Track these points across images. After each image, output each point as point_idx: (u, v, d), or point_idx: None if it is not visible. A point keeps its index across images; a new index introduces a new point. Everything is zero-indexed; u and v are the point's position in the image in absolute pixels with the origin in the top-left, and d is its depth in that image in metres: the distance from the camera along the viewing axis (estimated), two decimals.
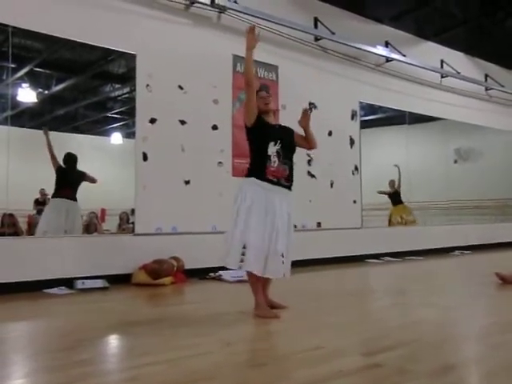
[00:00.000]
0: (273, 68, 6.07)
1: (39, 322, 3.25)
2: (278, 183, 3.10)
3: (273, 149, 3.09)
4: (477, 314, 3.37)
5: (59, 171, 5.06)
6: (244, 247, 3.00)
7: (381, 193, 8.03)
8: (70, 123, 5.95)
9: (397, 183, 8.03)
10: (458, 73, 8.21)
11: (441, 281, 5.06)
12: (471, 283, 4.95)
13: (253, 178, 3.11)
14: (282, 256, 3.06)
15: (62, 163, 5.09)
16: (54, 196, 5.10)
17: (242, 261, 3.02)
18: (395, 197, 8.09)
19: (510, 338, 2.62)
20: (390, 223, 8.01)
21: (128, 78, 5.42)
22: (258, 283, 3.13)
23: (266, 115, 3.23)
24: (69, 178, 5.15)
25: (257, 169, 3.11)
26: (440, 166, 8.86)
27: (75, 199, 5.10)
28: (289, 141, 3.25)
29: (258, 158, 3.12)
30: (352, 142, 6.94)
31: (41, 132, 5.12)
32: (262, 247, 3.00)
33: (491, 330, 2.87)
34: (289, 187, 3.19)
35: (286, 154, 3.16)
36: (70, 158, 5.13)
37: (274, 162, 3.08)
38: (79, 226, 5.19)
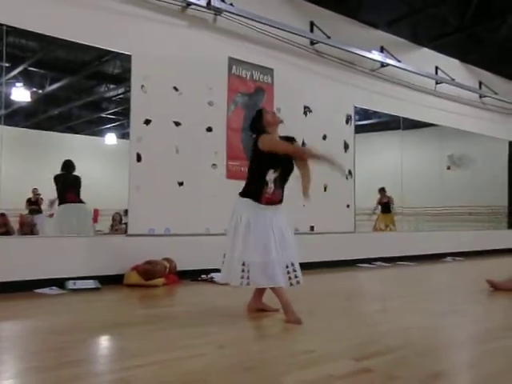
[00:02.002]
0: (268, 71, 6.08)
1: (29, 322, 3.23)
2: (271, 204, 3.21)
3: (271, 176, 3.18)
4: (467, 321, 3.38)
5: (57, 178, 5.08)
6: (243, 264, 3.09)
7: (377, 207, 8.12)
8: (64, 123, 5.93)
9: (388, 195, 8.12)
10: (453, 79, 8.27)
11: (432, 287, 5.08)
12: (462, 289, 4.97)
13: (248, 199, 3.19)
14: (293, 265, 3.18)
15: (60, 171, 5.12)
16: (60, 203, 5.11)
17: (242, 277, 3.10)
18: (387, 206, 8.14)
19: (501, 345, 2.64)
20: (374, 228, 8.07)
21: (123, 78, 5.41)
22: (280, 288, 3.15)
23: (271, 128, 3.26)
24: (67, 182, 5.16)
25: (253, 193, 3.19)
26: (433, 172, 8.90)
27: (82, 201, 5.14)
28: (288, 166, 3.29)
29: (256, 181, 3.20)
30: (346, 146, 6.96)
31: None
32: (266, 262, 3.07)
33: (482, 336, 2.88)
34: (281, 202, 3.29)
35: (284, 179, 3.25)
36: (68, 165, 5.15)
37: (271, 187, 3.18)
38: (91, 228, 5.21)
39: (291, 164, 3.31)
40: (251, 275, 3.08)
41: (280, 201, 3.27)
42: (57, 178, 5.11)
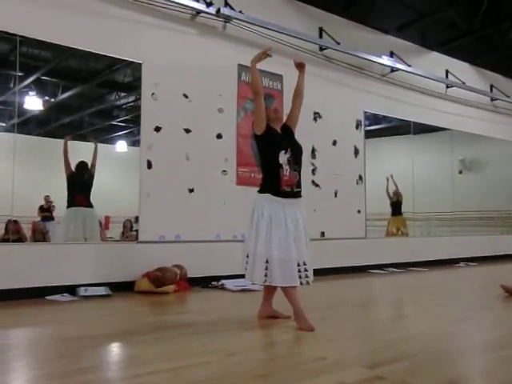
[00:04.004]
0: (278, 77, 6.09)
1: (41, 328, 3.25)
2: (291, 193, 3.16)
3: (283, 157, 3.16)
4: (481, 327, 3.33)
5: (70, 177, 5.11)
6: (267, 262, 3.08)
7: (388, 194, 7.96)
8: (75, 131, 5.99)
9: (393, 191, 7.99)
10: (463, 83, 8.21)
11: (445, 293, 5.01)
12: (476, 295, 4.91)
13: (268, 195, 3.17)
14: (305, 264, 3.15)
15: (74, 170, 5.15)
16: (68, 206, 5.12)
17: (266, 275, 3.09)
18: (396, 207, 8.06)
19: None
20: (386, 233, 8.00)
21: (134, 86, 5.46)
22: (294, 291, 3.13)
23: (274, 123, 3.30)
24: (79, 182, 5.19)
25: (271, 182, 3.17)
26: (445, 177, 8.83)
27: (91, 205, 5.14)
28: (296, 146, 3.30)
29: (271, 168, 3.18)
30: (356, 151, 6.94)
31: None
32: (285, 260, 3.06)
33: (496, 343, 2.83)
34: (300, 193, 3.25)
35: (296, 161, 3.23)
36: (81, 166, 5.18)
37: (286, 170, 3.15)
38: (97, 233, 5.23)
39: (298, 144, 3.31)
40: (273, 273, 3.06)
41: (298, 187, 3.20)
42: (69, 178, 5.14)
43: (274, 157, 3.16)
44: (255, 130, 3.26)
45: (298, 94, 3.51)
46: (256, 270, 3.11)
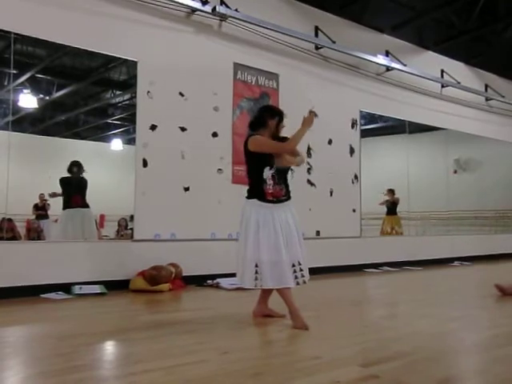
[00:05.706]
0: (273, 76, 6.09)
1: (36, 327, 3.24)
2: (278, 201, 3.21)
3: (268, 173, 3.19)
4: (475, 326, 3.35)
5: (62, 182, 5.09)
6: (256, 266, 3.10)
7: (383, 204, 8.06)
8: (70, 129, 5.97)
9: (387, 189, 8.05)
10: (459, 83, 8.24)
11: (439, 292, 5.04)
12: (470, 294, 4.93)
13: (255, 200, 3.20)
14: (300, 264, 3.16)
15: (66, 173, 5.12)
16: (65, 207, 5.10)
17: (256, 279, 3.11)
18: (392, 207, 8.10)
19: (509, 352, 2.61)
20: (381, 232, 8.04)
21: (129, 84, 5.44)
22: (288, 291, 3.14)
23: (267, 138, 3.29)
24: (74, 185, 5.17)
25: (256, 192, 3.21)
26: (440, 176, 8.86)
27: (87, 206, 5.12)
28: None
29: (255, 180, 3.23)
30: (352, 150, 6.95)
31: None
32: (275, 262, 3.07)
33: (490, 342, 2.85)
34: (288, 199, 3.28)
35: (281, 176, 3.26)
36: (74, 166, 5.15)
37: (270, 184, 3.19)
38: (94, 233, 5.22)
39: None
40: (263, 276, 3.08)
41: (285, 196, 3.24)
42: (62, 181, 5.12)
43: (258, 172, 3.20)
44: (250, 146, 3.21)
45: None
46: (246, 274, 3.13)
